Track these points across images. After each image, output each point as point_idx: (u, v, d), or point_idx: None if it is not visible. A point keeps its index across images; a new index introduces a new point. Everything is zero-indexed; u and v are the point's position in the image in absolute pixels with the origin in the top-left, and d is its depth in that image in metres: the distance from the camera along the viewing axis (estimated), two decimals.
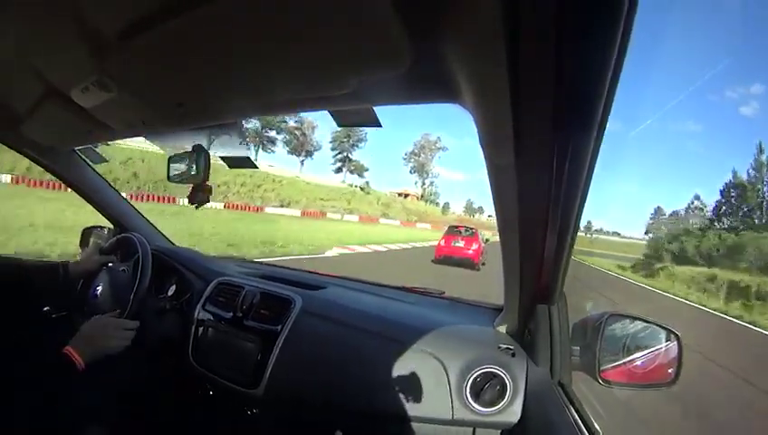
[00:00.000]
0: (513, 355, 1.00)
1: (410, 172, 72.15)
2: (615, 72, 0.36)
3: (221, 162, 1.18)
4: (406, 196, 66.40)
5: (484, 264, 11.62)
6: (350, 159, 63.40)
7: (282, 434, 1.19)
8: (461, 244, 11.98)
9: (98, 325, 1.00)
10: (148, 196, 21.21)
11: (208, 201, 1.22)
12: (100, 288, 1.28)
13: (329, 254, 11.17)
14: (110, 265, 1.29)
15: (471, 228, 13.24)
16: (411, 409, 1.00)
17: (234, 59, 0.65)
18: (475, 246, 11.80)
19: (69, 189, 1.55)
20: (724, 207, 34.17)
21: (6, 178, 17.93)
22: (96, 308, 1.25)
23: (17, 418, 0.81)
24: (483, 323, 1.17)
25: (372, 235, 19.99)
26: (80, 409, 1.02)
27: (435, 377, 1.00)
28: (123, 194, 1.76)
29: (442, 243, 12.36)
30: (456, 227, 13.57)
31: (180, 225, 8.46)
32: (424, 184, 73.18)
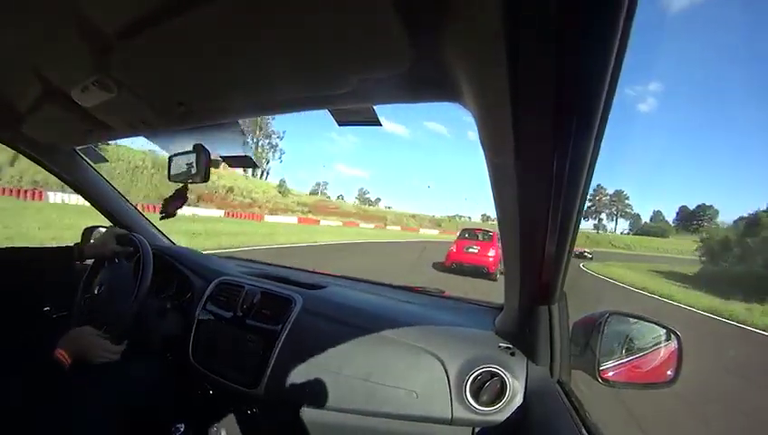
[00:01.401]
0: (513, 354, 1.00)
1: None
2: (615, 71, 0.36)
3: None
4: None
5: (502, 273, 9.81)
6: None
7: (282, 434, 1.20)
8: (475, 250, 10.46)
9: (85, 336, 1.01)
10: None
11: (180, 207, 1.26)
12: (101, 287, 1.28)
13: None
14: (116, 260, 1.29)
15: (489, 232, 11.57)
16: (411, 408, 1.00)
17: (234, 59, 0.65)
18: (491, 253, 10.29)
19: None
20: None
21: None
22: (97, 307, 1.26)
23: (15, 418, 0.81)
24: (483, 323, 1.17)
25: None
26: (81, 409, 1.02)
27: (434, 376, 1.00)
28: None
29: (453, 249, 10.93)
30: (472, 230, 11.88)
31: None
32: (259, 146, 51.07)
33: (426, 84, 0.60)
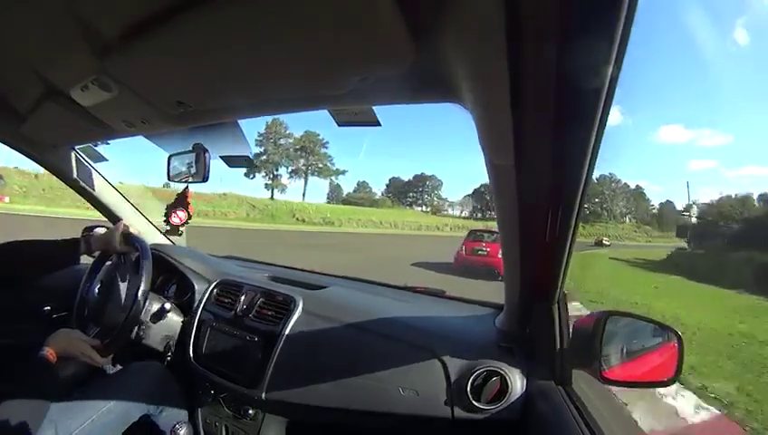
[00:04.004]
0: (514, 354, 1.00)
1: None
2: (615, 71, 0.36)
3: None
4: None
5: None
6: None
7: (282, 434, 1.20)
8: (485, 251, 9.89)
9: (71, 337, 1.02)
10: None
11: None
12: (101, 288, 1.28)
13: None
14: (122, 259, 1.29)
15: (493, 232, 10.36)
16: (412, 408, 1.00)
17: (233, 59, 0.65)
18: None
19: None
20: None
21: None
22: (97, 308, 1.26)
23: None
24: (484, 322, 1.17)
25: None
26: (81, 409, 1.02)
27: (435, 375, 1.00)
28: None
29: (462, 251, 10.52)
30: (479, 231, 11.19)
31: None
32: None
33: (426, 85, 0.60)
